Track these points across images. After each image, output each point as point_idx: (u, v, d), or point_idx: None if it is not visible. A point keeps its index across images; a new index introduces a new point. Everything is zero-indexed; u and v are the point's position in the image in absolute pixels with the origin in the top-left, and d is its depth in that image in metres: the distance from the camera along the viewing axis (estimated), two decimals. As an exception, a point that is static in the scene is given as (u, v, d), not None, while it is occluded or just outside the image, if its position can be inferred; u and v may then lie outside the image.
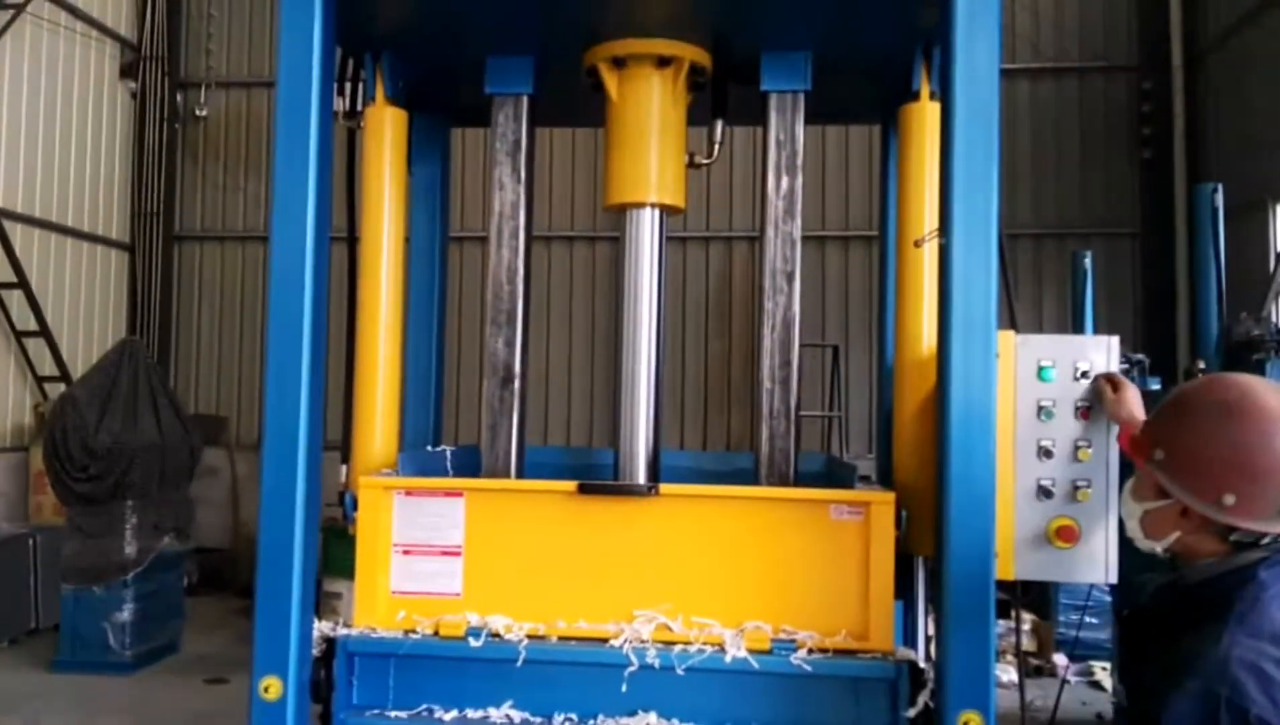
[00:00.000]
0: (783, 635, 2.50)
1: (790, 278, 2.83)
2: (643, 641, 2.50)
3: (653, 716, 2.49)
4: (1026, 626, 6.25)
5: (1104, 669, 6.85)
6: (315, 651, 2.54)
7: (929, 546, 2.61)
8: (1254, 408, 1.68)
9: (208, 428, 9.31)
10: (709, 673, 2.47)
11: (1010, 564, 2.47)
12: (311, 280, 2.49)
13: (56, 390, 8.70)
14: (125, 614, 6.89)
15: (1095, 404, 2.50)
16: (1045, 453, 2.53)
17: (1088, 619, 6.82)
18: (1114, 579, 2.47)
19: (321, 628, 2.59)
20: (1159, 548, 1.78)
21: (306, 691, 2.52)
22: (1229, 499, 1.65)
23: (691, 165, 2.96)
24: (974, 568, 2.32)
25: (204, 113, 10.98)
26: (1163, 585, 1.76)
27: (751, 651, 2.46)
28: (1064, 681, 6.38)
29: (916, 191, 2.84)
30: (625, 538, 2.62)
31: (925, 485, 2.56)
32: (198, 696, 6.45)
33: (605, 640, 2.53)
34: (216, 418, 10.34)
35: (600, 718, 2.52)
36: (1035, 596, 7.28)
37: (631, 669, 2.47)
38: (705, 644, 2.49)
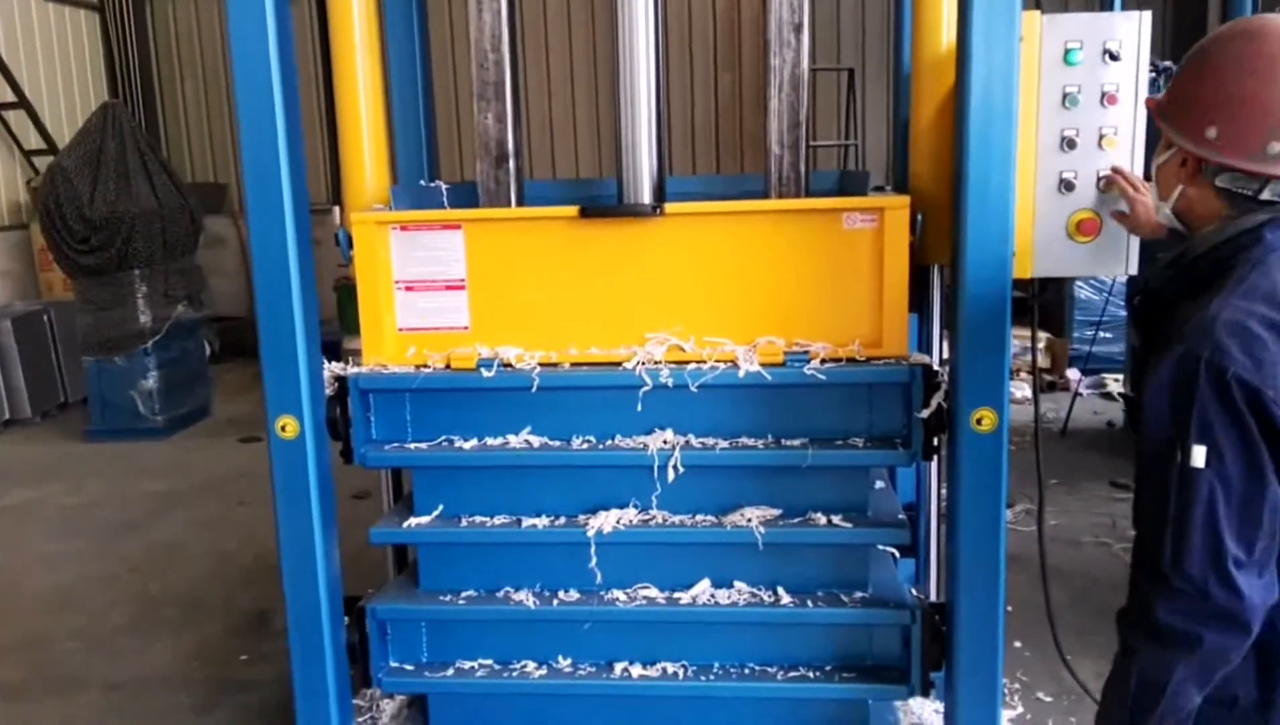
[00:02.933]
0: (796, 348, 2.48)
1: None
2: (655, 363, 2.49)
3: (669, 433, 2.52)
4: (1041, 344, 6.31)
5: (1115, 381, 6.98)
6: (328, 391, 2.54)
7: (945, 255, 2.53)
8: (1245, 41, 1.59)
9: (207, 195, 9.15)
10: (723, 389, 2.47)
11: (1029, 262, 2.39)
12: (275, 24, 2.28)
13: (46, 164, 8.47)
14: (151, 382, 7.04)
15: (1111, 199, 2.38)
16: (1069, 144, 2.38)
17: (1102, 334, 6.86)
18: (1134, 271, 2.39)
19: (332, 368, 2.58)
20: (1168, 209, 1.71)
21: (323, 428, 2.54)
22: (1211, 132, 1.58)
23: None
24: (990, 266, 2.24)
25: None
26: (1169, 263, 1.68)
27: (764, 365, 2.45)
28: (1076, 394, 6.54)
29: None
30: (632, 262, 2.55)
31: (942, 192, 2.44)
32: (234, 454, 6.70)
33: (618, 364, 2.51)
34: (215, 185, 10.15)
35: (617, 437, 2.54)
36: (1051, 302, 7.30)
37: (646, 389, 2.47)
38: (718, 362, 2.48)
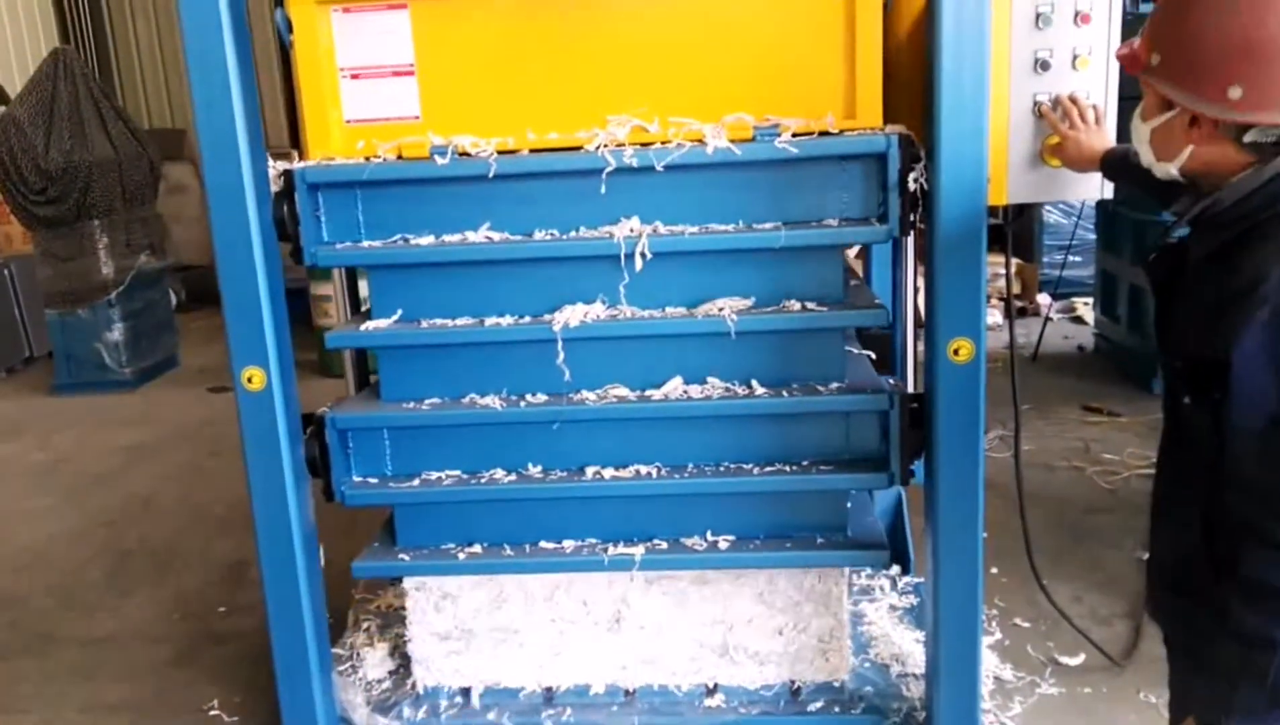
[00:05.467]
0: (766, 124, 2.34)
1: None
2: (619, 144, 2.35)
3: (635, 221, 2.40)
4: (1012, 269, 6.30)
5: (1085, 304, 7.01)
6: (273, 188, 2.39)
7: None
8: None
9: (165, 142, 8.89)
10: (690, 170, 2.35)
11: (1003, 189, 2.35)
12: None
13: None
14: (116, 333, 6.91)
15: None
16: (1042, 65, 2.33)
17: (1071, 258, 6.86)
18: (1109, 195, 2.36)
19: (276, 165, 2.43)
20: (1174, 170, 1.56)
21: (291, 377, 2.49)
22: (1235, 92, 1.41)
23: None
24: (966, 197, 2.21)
25: None
26: (1191, 218, 1.53)
27: (733, 141, 2.32)
28: (1047, 319, 6.56)
29: None
30: (592, 37, 2.39)
31: (914, 126, 2.36)
32: (202, 403, 6.62)
33: (579, 148, 2.37)
34: (173, 131, 9.87)
35: (582, 229, 2.42)
36: (1022, 233, 7.29)
37: (609, 170, 2.32)
38: (684, 140, 2.34)
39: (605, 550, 2.52)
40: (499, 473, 2.55)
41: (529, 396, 2.52)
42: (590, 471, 2.52)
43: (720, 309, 2.41)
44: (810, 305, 2.43)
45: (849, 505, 2.58)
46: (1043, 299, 7.09)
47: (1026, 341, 6.44)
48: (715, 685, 2.70)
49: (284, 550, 2.50)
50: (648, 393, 2.48)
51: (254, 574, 4.02)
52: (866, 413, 2.46)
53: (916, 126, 2.36)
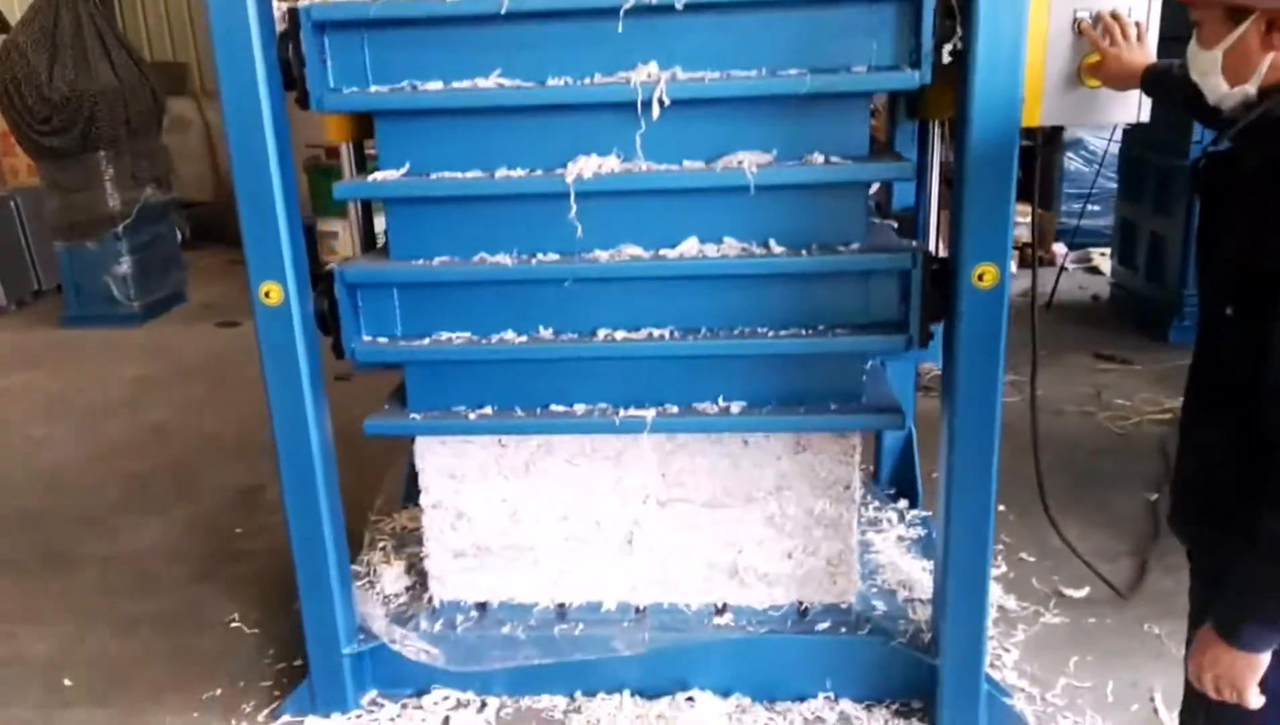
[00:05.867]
0: None
1: None
2: None
3: (653, 66, 2.33)
4: (1027, 219, 6.25)
5: (1101, 255, 6.97)
6: (279, 28, 2.31)
7: (946, 108, 2.45)
8: None
9: (168, 76, 8.80)
10: (711, 8, 2.26)
11: (1038, 110, 2.32)
12: None
13: (-1, 43, 8.11)
14: (124, 266, 6.89)
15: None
16: (1082, -19, 2.28)
17: (1090, 207, 6.80)
18: (1145, 118, 2.33)
19: (281, 5, 2.34)
20: (1252, 88, 1.51)
21: (307, 291, 2.48)
22: None
23: None
24: (999, 113, 2.17)
25: None
26: (1246, 125, 1.49)
27: None
28: (1062, 269, 6.52)
29: None
30: None
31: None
32: (212, 338, 6.63)
33: None
34: (175, 64, 9.76)
35: (597, 76, 2.34)
36: (1043, 180, 7.20)
37: (627, 6, 2.24)
38: None
39: (616, 414, 2.50)
40: (510, 334, 2.51)
41: (540, 255, 2.46)
42: (602, 333, 2.47)
43: (740, 162, 2.34)
44: (834, 158, 2.35)
45: (864, 379, 2.55)
46: (1058, 248, 7.05)
47: (1042, 291, 6.41)
48: (724, 605, 2.74)
49: (303, 462, 2.51)
50: (662, 252, 2.43)
51: (268, 498, 4.09)
52: (887, 273, 2.40)
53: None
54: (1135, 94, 2.32)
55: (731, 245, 2.44)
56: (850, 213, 2.43)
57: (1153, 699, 2.70)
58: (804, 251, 2.40)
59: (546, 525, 2.72)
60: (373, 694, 2.77)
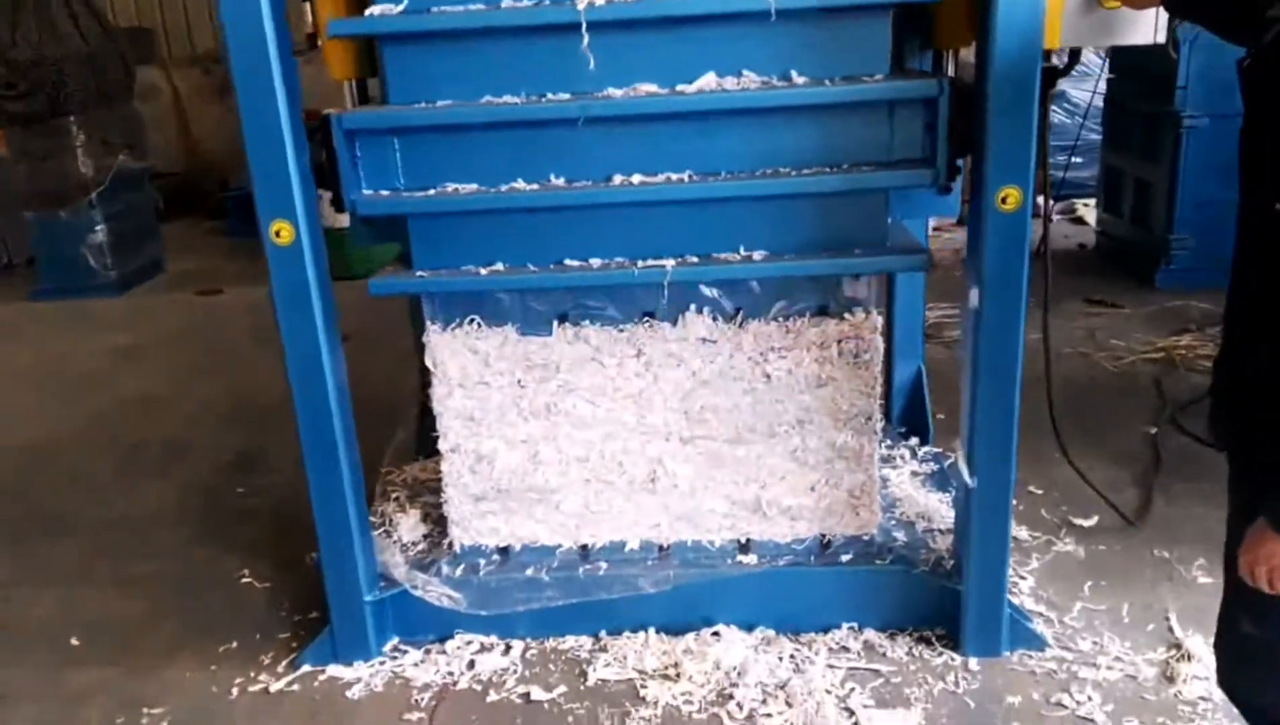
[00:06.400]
0: None
1: None
2: None
3: None
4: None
5: (1085, 205, 7.03)
6: None
7: (963, 36, 2.42)
8: None
9: (134, 43, 8.58)
10: None
11: (1056, 32, 2.31)
12: None
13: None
14: (99, 235, 6.73)
15: None
16: (1100, -99, 2.27)
17: (1074, 160, 6.83)
18: (1163, 38, 2.34)
19: None
20: None
21: (318, 231, 2.43)
22: None
23: None
24: (1021, 35, 2.16)
25: None
26: None
27: None
28: (1048, 219, 6.57)
29: None
30: None
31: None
32: (193, 307, 6.51)
33: None
34: (140, 30, 9.51)
35: None
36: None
37: None
38: None
39: (634, 266, 2.42)
40: (520, 183, 2.39)
41: (550, 95, 2.36)
42: (618, 179, 2.37)
43: None
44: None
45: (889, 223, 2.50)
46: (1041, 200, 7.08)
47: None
48: (748, 540, 2.74)
49: (319, 404, 2.47)
50: (679, 88, 2.34)
51: (268, 461, 4.03)
52: (913, 103, 2.30)
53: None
54: (1152, 14, 2.33)
55: (751, 79, 2.35)
56: (872, 40, 2.33)
57: (1167, 618, 2.73)
58: (826, 83, 2.33)
59: (568, 466, 2.70)
60: (394, 641, 2.75)
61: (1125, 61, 5.74)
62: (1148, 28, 2.32)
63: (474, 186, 2.41)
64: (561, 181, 2.39)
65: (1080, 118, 6.75)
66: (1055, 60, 2.54)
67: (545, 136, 2.38)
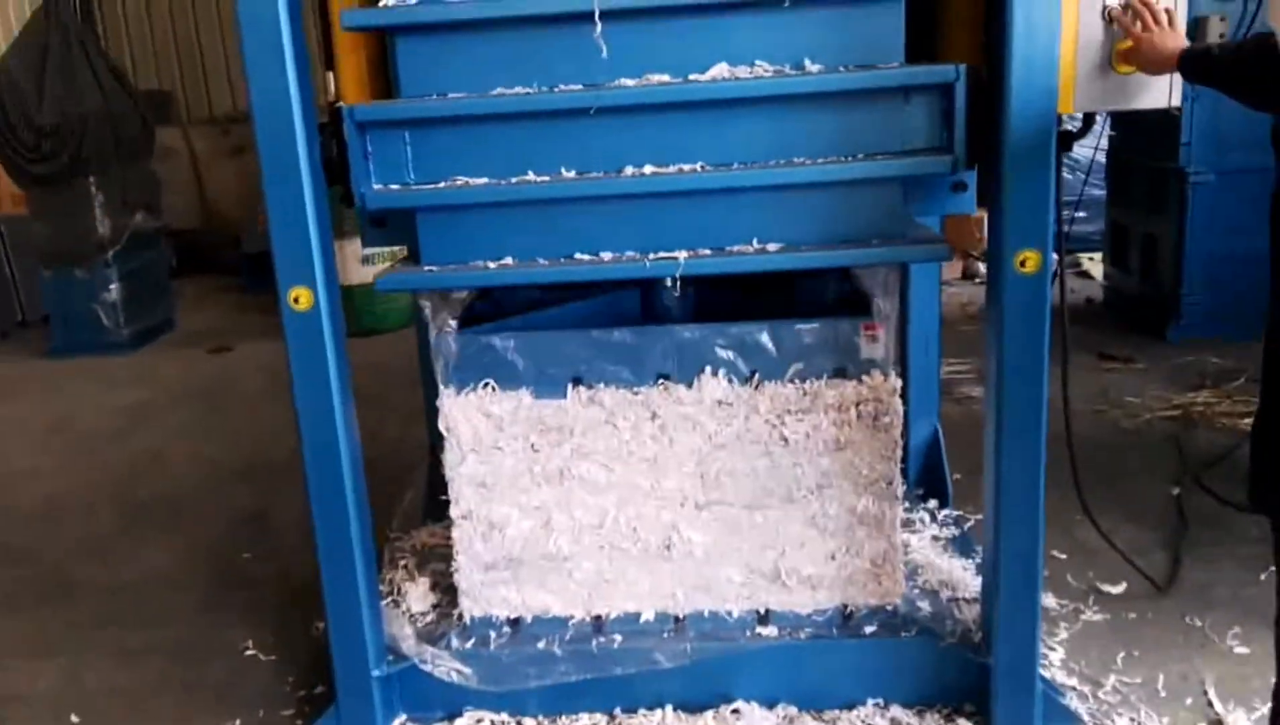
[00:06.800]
0: None
1: None
2: None
3: None
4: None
5: (1091, 259, 7.02)
6: None
7: (971, 56, 2.39)
8: None
9: (152, 104, 8.72)
10: None
11: (1070, 97, 2.29)
12: None
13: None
14: (113, 294, 6.78)
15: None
16: (1112, -30, 2.27)
17: (1078, 214, 6.85)
18: (1177, 101, 2.31)
19: None
20: None
21: (337, 299, 2.41)
22: None
23: None
24: (1036, 99, 2.15)
25: None
26: None
27: None
28: (1063, 278, 6.56)
29: None
30: None
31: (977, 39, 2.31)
32: (204, 364, 6.52)
33: None
34: (160, 92, 9.67)
35: None
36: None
37: None
38: None
39: (645, 259, 2.36)
40: (530, 176, 2.35)
41: (562, 86, 2.33)
42: (629, 170, 2.33)
43: None
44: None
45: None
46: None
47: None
48: (767, 611, 2.67)
49: (332, 474, 2.42)
50: (692, 78, 2.31)
51: (275, 522, 3.99)
52: (929, 89, 2.26)
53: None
54: (1166, 78, 2.31)
55: (764, 68, 2.32)
56: (886, 27, 2.30)
57: (1205, 691, 2.64)
58: (841, 70, 2.30)
59: (581, 533, 2.64)
60: (402, 719, 2.67)
61: (1127, 117, 5.76)
62: (1161, 92, 2.30)
63: (484, 180, 2.38)
64: (572, 174, 2.36)
65: (1083, 173, 6.78)
66: (1068, 124, 2.54)
67: (556, 128, 2.34)
